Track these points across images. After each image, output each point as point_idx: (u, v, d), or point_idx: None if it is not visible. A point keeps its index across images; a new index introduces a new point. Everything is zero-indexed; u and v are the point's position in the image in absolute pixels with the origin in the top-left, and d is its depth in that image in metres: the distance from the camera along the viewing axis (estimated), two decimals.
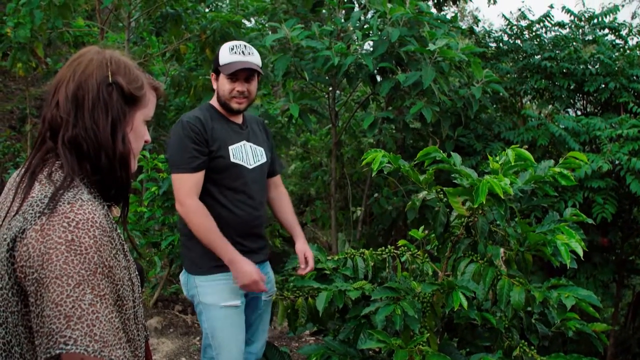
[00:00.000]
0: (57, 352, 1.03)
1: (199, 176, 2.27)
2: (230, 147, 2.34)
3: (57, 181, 1.15)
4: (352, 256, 2.52)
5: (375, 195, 4.94)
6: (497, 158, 2.15)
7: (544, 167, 2.29)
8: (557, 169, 2.19)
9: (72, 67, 1.23)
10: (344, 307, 2.32)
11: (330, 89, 4.67)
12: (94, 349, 1.05)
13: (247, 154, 2.40)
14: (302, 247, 2.51)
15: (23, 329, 1.13)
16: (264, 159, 2.48)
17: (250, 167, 2.39)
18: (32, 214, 1.11)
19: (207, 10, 6.03)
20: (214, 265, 2.28)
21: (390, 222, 5.16)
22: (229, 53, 2.35)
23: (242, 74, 2.34)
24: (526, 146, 4.42)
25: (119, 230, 1.24)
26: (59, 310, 1.05)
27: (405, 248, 2.53)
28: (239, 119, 2.45)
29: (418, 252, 2.50)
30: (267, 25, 5.79)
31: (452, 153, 2.30)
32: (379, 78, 4.39)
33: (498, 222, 2.04)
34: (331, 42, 4.07)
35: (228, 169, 2.33)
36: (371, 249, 2.54)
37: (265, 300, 2.50)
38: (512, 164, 2.06)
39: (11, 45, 4.74)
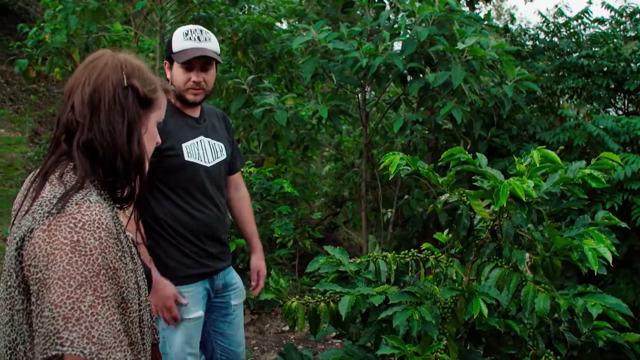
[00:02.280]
0: (53, 353, 1.05)
1: None
2: (184, 145, 2.16)
3: (68, 182, 1.17)
4: (374, 259, 2.48)
5: (406, 197, 4.88)
6: (522, 159, 2.08)
7: (575, 168, 2.20)
8: (587, 171, 2.10)
9: (86, 70, 1.24)
10: (366, 310, 2.28)
11: (360, 90, 4.63)
12: (91, 351, 1.06)
13: (204, 151, 2.22)
14: (257, 263, 2.43)
15: (27, 327, 1.15)
16: (223, 156, 2.31)
17: (208, 165, 2.23)
18: (40, 213, 1.13)
19: (240, 13, 6.07)
20: (175, 276, 2.16)
21: (422, 225, 5.08)
22: (183, 39, 2.15)
23: (197, 62, 2.15)
24: (562, 147, 4.30)
25: (127, 233, 1.25)
26: (57, 311, 1.06)
27: (429, 252, 2.47)
28: (195, 112, 2.26)
29: (442, 256, 2.44)
30: (298, 26, 5.79)
31: (477, 154, 2.24)
32: (410, 78, 4.32)
33: (522, 226, 1.96)
34: (360, 43, 4.03)
35: (183, 168, 2.16)
36: (393, 252, 2.49)
37: (236, 305, 2.40)
38: (537, 165, 1.99)
39: (50, 51, 4.87)
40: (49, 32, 4.67)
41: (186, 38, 2.15)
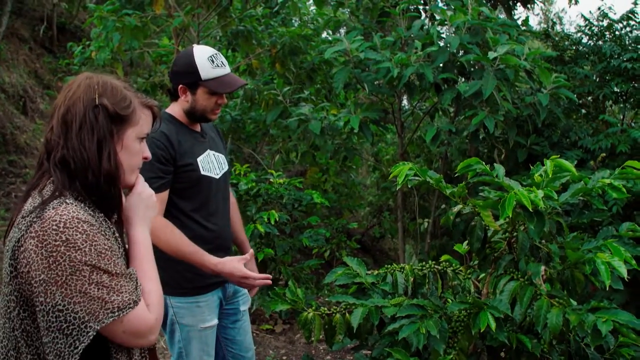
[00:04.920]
0: (110, 320, 1.21)
1: (162, 196, 2.13)
2: (198, 159, 2.23)
3: (46, 194, 1.26)
4: (392, 271, 2.46)
5: (443, 206, 4.80)
6: (536, 169, 2.02)
7: (597, 178, 2.13)
8: (607, 180, 2.03)
9: (64, 92, 1.32)
10: (382, 322, 2.26)
11: (395, 99, 4.60)
12: (135, 302, 1.26)
13: (212, 164, 2.29)
14: (251, 267, 2.41)
15: (20, 332, 1.23)
16: (226, 167, 2.38)
17: (217, 177, 2.29)
18: (24, 224, 1.22)
19: (279, 24, 6.15)
20: (192, 287, 2.22)
21: (461, 234, 4.98)
22: (212, 66, 2.17)
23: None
24: (603, 154, 4.14)
25: (116, 235, 1.32)
26: (89, 296, 1.20)
27: (447, 263, 2.43)
28: (198, 127, 2.31)
29: (460, 268, 2.40)
30: (335, 38, 5.82)
31: (495, 165, 2.20)
32: (445, 87, 4.27)
33: (532, 238, 1.91)
34: (392, 53, 4.01)
35: (199, 182, 2.22)
36: (411, 264, 2.46)
37: (244, 310, 2.45)
38: (550, 176, 1.93)
39: (95, 67, 5.08)
40: (95, 49, 4.87)
41: (214, 65, 2.17)
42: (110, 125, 1.29)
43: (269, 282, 2.24)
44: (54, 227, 1.19)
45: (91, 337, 1.19)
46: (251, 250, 2.31)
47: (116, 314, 1.21)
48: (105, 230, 1.27)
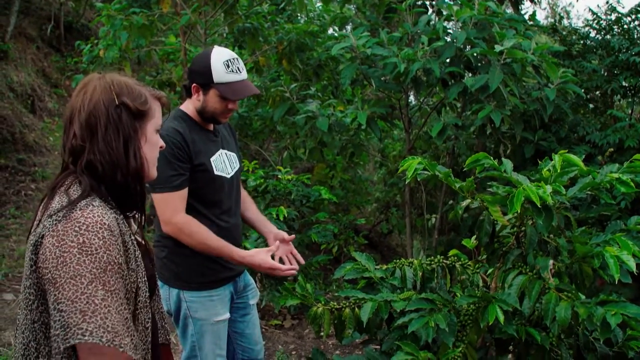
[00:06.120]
0: (76, 341, 1.16)
1: (183, 193, 2.16)
2: (212, 159, 2.25)
3: (73, 194, 1.28)
4: (400, 266, 2.47)
5: (451, 202, 4.81)
6: (542, 164, 2.03)
7: (605, 172, 2.14)
8: (615, 175, 2.03)
9: (79, 97, 1.34)
10: (391, 317, 2.28)
11: (402, 95, 4.61)
12: (107, 338, 1.18)
13: (224, 164, 2.30)
14: (278, 231, 2.43)
15: (40, 324, 1.26)
16: (237, 165, 2.39)
17: (228, 176, 2.31)
18: (50, 221, 1.25)
19: (285, 21, 6.16)
20: (206, 281, 2.26)
21: (468, 229, 4.98)
22: (226, 71, 2.16)
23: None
24: (611, 149, 4.14)
25: (133, 237, 1.34)
26: (74, 306, 1.17)
27: (456, 258, 2.45)
28: (211, 126, 2.32)
29: (469, 263, 2.41)
30: (342, 34, 5.82)
31: (503, 159, 2.20)
32: (452, 82, 4.27)
33: (540, 232, 1.92)
34: (399, 49, 4.02)
35: (212, 182, 2.24)
36: (419, 259, 2.48)
37: (253, 304, 2.49)
38: (558, 170, 1.94)
39: (104, 65, 5.12)
40: (103, 47, 4.91)
41: (228, 70, 2.17)
42: (133, 123, 1.33)
43: (295, 272, 2.27)
44: (76, 228, 1.21)
45: (61, 351, 1.19)
46: (285, 236, 2.36)
47: (86, 337, 1.17)
48: (124, 234, 1.29)
